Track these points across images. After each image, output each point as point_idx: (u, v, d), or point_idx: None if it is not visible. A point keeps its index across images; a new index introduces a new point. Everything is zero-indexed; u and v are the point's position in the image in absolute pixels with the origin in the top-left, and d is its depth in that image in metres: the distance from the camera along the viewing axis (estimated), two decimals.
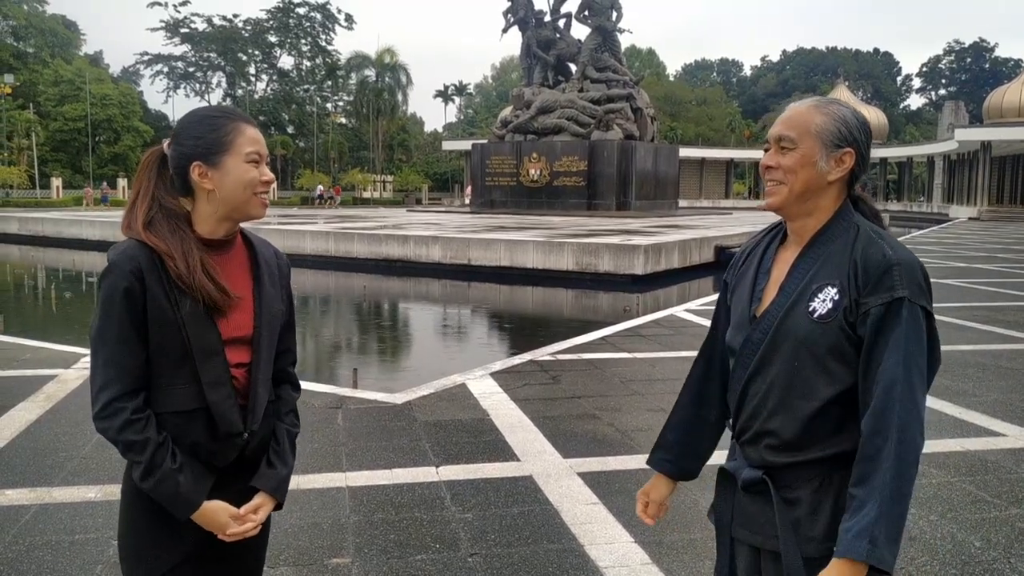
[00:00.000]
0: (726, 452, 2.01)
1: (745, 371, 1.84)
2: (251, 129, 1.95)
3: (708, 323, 2.15)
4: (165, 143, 1.96)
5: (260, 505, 1.98)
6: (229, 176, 1.90)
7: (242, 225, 2.01)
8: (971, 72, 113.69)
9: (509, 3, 40.53)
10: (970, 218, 50.82)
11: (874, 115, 76.10)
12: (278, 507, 2.04)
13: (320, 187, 62.20)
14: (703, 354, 2.09)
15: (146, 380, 1.87)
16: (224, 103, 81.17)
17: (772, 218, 1.96)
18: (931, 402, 6.52)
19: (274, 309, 2.02)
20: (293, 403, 2.16)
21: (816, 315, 1.73)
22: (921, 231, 35.81)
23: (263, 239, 2.11)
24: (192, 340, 1.86)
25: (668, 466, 2.10)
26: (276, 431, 2.07)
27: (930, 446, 5.46)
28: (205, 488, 1.91)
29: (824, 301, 1.73)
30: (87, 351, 1.87)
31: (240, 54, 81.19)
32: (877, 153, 71.17)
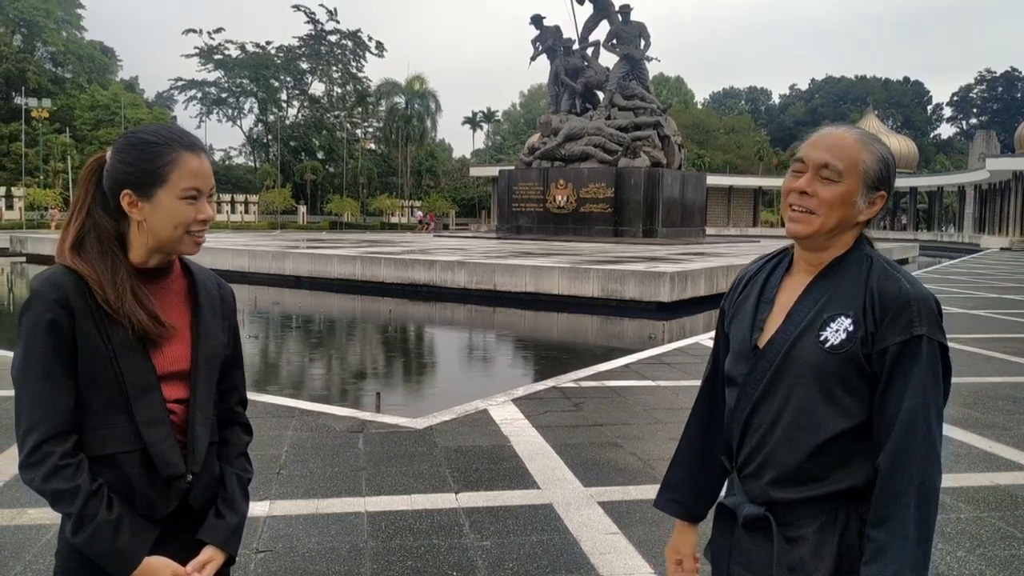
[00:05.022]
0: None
1: (748, 402, 1.76)
2: (194, 160, 1.74)
3: None
4: (108, 151, 1.77)
5: (208, 560, 1.77)
6: (160, 211, 1.71)
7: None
8: (1002, 102, 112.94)
9: (538, 32, 40.89)
10: (1002, 248, 50.15)
11: (904, 144, 75.69)
12: (230, 561, 1.83)
13: (419, 213, 66.53)
14: (706, 387, 2.02)
15: (76, 422, 1.67)
16: (255, 128, 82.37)
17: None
18: (959, 434, 6.38)
19: (214, 341, 1.84)
20: (244, 447, 1.97)
21: (828, 345, 1.65)
22: (952, 261, 35.34)
23: (204, 268, 1.93)
24: (125, 374, 1.68)
25: (676, 507, 2.04)
26: (225, 476, 1.88)
27: (958, 480, 5.33)
28: (146, 542, 1.69)
29: (837, 331, 1.65)
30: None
31: (272, 80, 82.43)
32: (908, 182, 70.63)
